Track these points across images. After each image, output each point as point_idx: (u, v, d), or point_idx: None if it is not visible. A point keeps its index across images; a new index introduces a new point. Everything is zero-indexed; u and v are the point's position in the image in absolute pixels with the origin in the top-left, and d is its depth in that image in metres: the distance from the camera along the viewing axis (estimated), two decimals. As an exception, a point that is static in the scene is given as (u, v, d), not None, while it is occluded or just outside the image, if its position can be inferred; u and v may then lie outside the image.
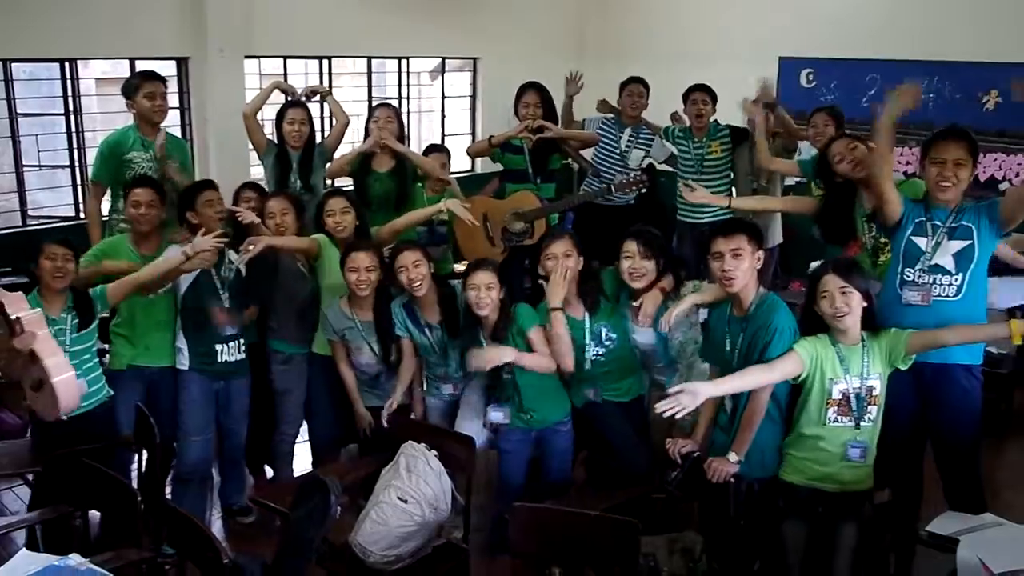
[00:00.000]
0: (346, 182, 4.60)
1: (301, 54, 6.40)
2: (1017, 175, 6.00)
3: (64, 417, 3.14)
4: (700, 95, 4.96)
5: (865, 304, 2.79)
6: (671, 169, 5.37)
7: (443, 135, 7.46)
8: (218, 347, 3.56)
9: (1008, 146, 5.99)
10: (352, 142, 5.27)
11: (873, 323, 2.85)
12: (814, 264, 3.28)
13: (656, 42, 7.30)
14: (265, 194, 3.95)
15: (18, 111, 5.16)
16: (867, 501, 2.86)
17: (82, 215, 5.29)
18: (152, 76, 4.24)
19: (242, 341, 3.64)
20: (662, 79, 5.35)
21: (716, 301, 3.10)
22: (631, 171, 5.06)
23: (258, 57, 6.03)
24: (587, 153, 5.36)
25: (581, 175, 6.18)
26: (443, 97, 7.56)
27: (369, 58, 6.79)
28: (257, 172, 5.11)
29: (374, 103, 6.13)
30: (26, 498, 3.66)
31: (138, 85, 4.18)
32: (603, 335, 3.39)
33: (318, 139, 4.74)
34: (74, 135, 5.39)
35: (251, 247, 3.40)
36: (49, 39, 4.99)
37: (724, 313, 3.02)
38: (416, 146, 6.54)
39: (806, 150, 4.91)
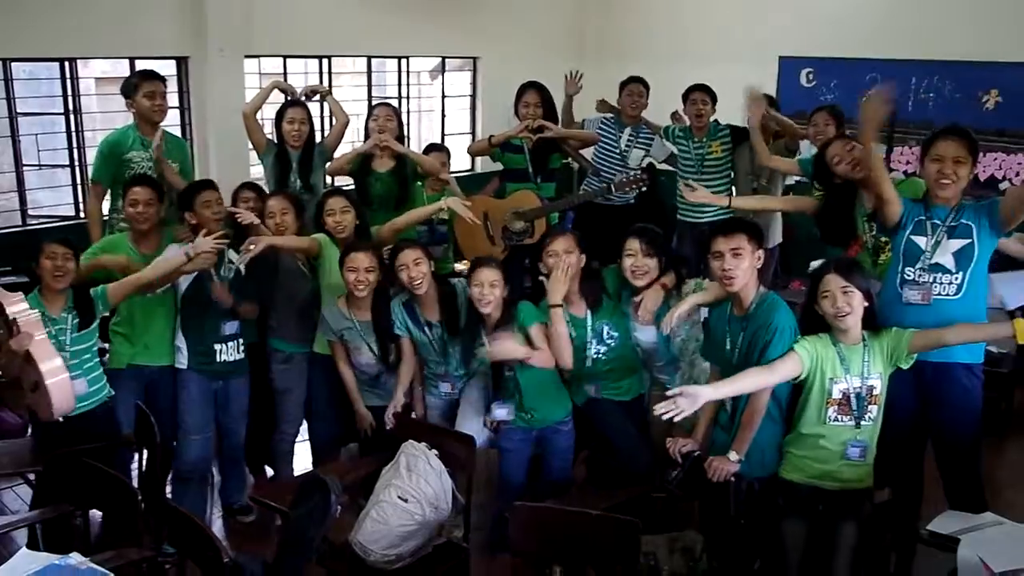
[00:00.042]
0: (346, 181, 4.59)
1: (301, 53, 6.40)
2: (1017, 174, 6.01)
3: (60, 419, 3.15)
4: (700, 95, 4.96)
5: (866, 304, 2.79)
6: (671, 168, 5.37)
7: (443, 134, 7.45)
8: (217, 347, 3.56)
9: (1008, 145, 5.99)
10: (352, 141, 5.27)
11: (874, 322, 2.85)
12: (814, 263, 3.28)
13: (656, 42, 7.30)
14: (263, 194, 3.95)
15: (18, 110, 5.15)
16: (867, 500, 2.86)
17: (82, 214, 5.29)
18: (152, 75, 4.24)
19: (241, 341, 3.64)
20: (662, 79, 5.35)
21: (716, 300, 3.10)
22: (631, 171, 5.06)
23: (258, 56, 6.03)
24: (587, 152, 5.37)
25: (581, 175, 6.18)
26: (443, 96, 7.56)
27: (369, 57, 6.78)
28: (257, 172, 5.10)
29: (374, 102, 6.13)
30: (27, 497, 3.67)
31: (138, 84, 4.18)
32: (605, 333, 3.39)
33: (318, 139, 4.74)
34: (74, 134, 5.38)
35: (252, 247, 3.40)
36: (49, 38, 4.99)
37: (724, 312, 3.02)
38: (416, 145, 6.54)
39: (807, 149, 4.91)
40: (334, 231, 3.70)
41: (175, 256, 3.37)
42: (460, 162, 6.61)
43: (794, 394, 2.90)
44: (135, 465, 3.51)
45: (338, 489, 2.91)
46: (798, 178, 5.00)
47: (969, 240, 3.02)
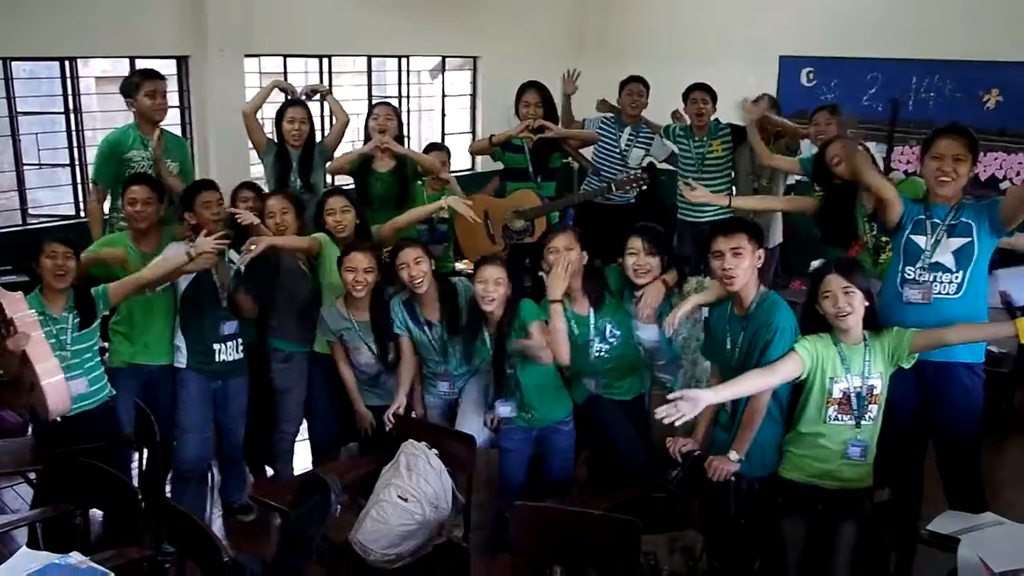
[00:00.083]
0: (346, 180, 4.59)
1: (301, 53, 6.39)
2: (1018, 174, 6.00)
3: (58, 419, 3.14)
4: (700, 94, 4.96)
5: (867, 303, 2.79)
6: (672, 168, 5.37)
7: (443, 134, 7.45)
8: (216, 346, 3.56)
9: (1008, 145, 5.99)
10: (352, 141, 5.26)
11: (875, 322, 2.85)
12: (815, 263, 3.28)
13: (656, 42, 7.30)
14: (262, 193, 3.95)
15: (18, 110, 5.15)
16: (867, 499, 2.86)
17: (82, 214, 5.29)
18: (152, 74, 4.24)
19: (240, 341, 3.64)
20: (662, 78, 5.35)
21: (717, 300, 3.10)
22: (631, 170, 5.06)
23: (258, 56, 6.02)
24: (587, 152, 5.37)
25: (581, 174, 6.18)
26: (443, 96, 7.56)
27: (369, 57, 6.78)
28: (257, 171, 5.10)
29: (374, 102, 6.12)
30: (27, 496, 3.67)
31: (138, 83, 4.18)
32: (608, 331, 3.39)
33: (318, 138, 4.74)
34: (74, 134, 5.38)
35: (252, 247, 3.40)
36: (49, 38, 4.99)
37: (725, 312, 3.02)
38: (416, 145, 6.55)
39: (808, 149, 4.91)
40: (334, 230, 3.70)
41: (176, 256, 3.37)
42: (460, 161, 6.61)
43: (794, 393, 2.90)
44: (135, 464, 3.51)
45: (338, 488, 2.90)
46: (799, 178, 5.00)
47: (969, 239, 3.02)
